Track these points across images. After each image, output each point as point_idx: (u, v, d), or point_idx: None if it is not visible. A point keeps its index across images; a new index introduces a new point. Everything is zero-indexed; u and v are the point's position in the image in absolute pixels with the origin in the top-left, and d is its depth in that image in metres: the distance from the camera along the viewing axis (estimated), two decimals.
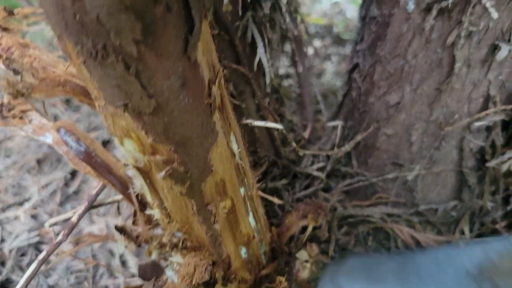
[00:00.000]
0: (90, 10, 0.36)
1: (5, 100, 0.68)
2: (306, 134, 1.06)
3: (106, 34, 0.38)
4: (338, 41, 2.17)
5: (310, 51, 2.07)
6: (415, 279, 0.79)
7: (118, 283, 1.25)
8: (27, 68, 0.50)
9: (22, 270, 1.32)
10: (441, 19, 0.73)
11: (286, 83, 1.52)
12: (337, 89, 1.80)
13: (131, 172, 0.59)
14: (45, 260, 0.68)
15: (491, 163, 0.90)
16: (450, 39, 0.74)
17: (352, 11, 2.32)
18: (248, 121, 0.70)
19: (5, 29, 0.57)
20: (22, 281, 0.66)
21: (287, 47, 0.95)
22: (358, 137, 0.94)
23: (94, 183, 1.59)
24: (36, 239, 1.41)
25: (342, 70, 1.95)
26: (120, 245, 0.75)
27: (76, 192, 1.57)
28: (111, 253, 1.33)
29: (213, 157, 0.56)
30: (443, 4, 0.70)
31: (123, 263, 1.30)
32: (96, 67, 0.42)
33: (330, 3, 2.34)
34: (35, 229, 1.44)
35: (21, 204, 1.54)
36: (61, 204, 1.53)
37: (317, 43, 2.16)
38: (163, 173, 0.52)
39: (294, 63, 0.98)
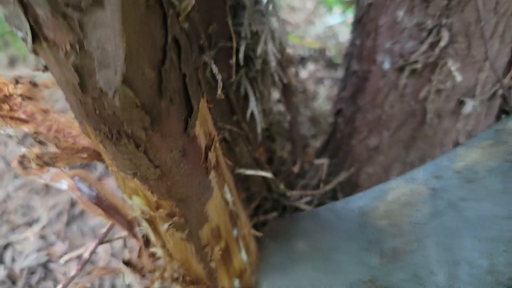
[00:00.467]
0: (107, 107, 0.45)
1: (26, 152, 0.76)
2: (295, 169, 1.15)
3: (120, 123, 0.47)
4: (331, 65, 2.25)
5: (304, 74, 2.16)
6: (318, 235, 0.79)
7: None
8: (51, 139, 0.58)
9: (33, 287, 1.41)
10: (413, 77, 0.82)
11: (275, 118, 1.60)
12: (328, 114, 1.88)
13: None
14: None
15: None
16: (422, 94, 0.83)
17: (345, 35, 2.40)
18: (241, 170, 0.78)
19: (29, 98, 0.65)
20: None
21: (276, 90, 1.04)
22: (341, 177, 1.03)
23: None
24: (45, 258, 1.49)
25: (334, 95, 2.03)
26: (127, 277, 0.83)
27: (81, 213, 1.65)
28: (116, 274, 1.41)
29: (209, 208, 0.65)
30: (414, 66, 0.79)
31: (128, 286, 1.38)
32: (111, 146, 0.51)
33: (324, 26, 2.43)
34: (44, 249, 1.52)
35: (30, 224, 1.62)
36: (68, 224, 1.61)
37: (310, 66, 2.24)
38: (166, 226, 0.60)
39: (286, 108, 1.06)
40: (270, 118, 1.03)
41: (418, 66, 0.78)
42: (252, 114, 0.86)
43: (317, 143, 1.56)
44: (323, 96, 2.04)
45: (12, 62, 2.49)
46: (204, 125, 0.58)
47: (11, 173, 1.79)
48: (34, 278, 1.44)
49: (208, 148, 0.59)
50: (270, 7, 0.78)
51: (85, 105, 0.46)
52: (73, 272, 0.77)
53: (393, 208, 0.64)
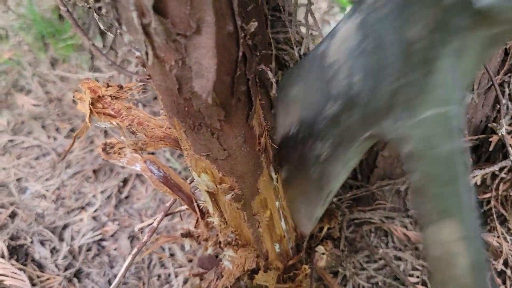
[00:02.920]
0: (195, 106, 0.59)
1: (108, 141, 0.91)
2: None
3: (202, 117, 0.61)
4: None
5: None
6: (302, 83, 0.83)
7: (169, 272, 1.48)
8: (141, 129, 0.73)
9: (90, 262, 1.56)
10: None
11: None
12: None
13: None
14: (136, 254, 0.91)
15: None
16: None
17: None
18: None
19: (116, 98, 0.80)
20: (122, 270, 0.89)
21: None
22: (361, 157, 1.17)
23: (141, 190, 1.83)
24: (99, 237, 1.65)
25: None
26: (187, 244, 0.98)
27: (127, 197, 1.81)
28: (162, 247, 1.57)
29: (260, 183, 0.79)
30: None
31: (172, 255, 1.54)
32: (192, 134, 0.65)
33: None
34: (97, 229, 1.68)
35: (83, 208, 1.78)
36: (116, 207, 1.77)
37: None
38: (229, 196, 0.74)
39: None
40: None
41: None
42: None
43: None
44: None
45: (53, 64, 2.64)
46: (257, 118, 0.72)
47: (63, 163, 1.95)
48: (91, 254, 1.60)
49: (260, 135, 0.73)
50: (307, 18, 0.92)
51: (178, 104, 0.60)
52: (145, 238, 0.92)
53: (337, 45, 0.70)
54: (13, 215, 1.74)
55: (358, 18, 0.66)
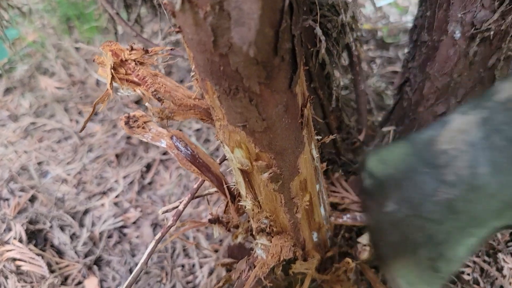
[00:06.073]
0: (232, 64, 0.51)
1: (131, 114, 0.84)
2: (361, 137, 1.19)
3: (240, 79, 0.53)
4: (382, 45, 2.27)
5: None
6: (400, 162, 0.84)
7: (193, 262, 1.42)
8: (168, 97, 0.66)
9: (111, 249, 1.52)
10: (483, 45, 0.85)
11: (343, 92, 1.65)
12: (382, 91, 1.91)
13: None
14: (160, 240, 0.84)
15: None
16: (491, 62, 0.86)
17: (396, 16, 2.40)
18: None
19: (141, 63, 0.73)
20: (144, 256, 0.83)
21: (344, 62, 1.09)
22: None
23: (165, 176, 1.77)
24: (121, 223, 1.60)
25: (386, 73, 2.05)
26: (215, 231, 0.91)
27: (150, 183, 1.76)
28: (186, 236, 1.51)
29: (300, 162, 0.71)
30: (486, 34, 0.82)
31: (196, 245, 1.47)
32: (227, 100, 0.57)
33: (374, 8, 2.42)
34: (119, 215, 1.63)
35: (104, 193, 1.73)
36: (139, 193, 1.72)
37: (363, 47, 2.26)
38: (266, 174, 0.67)
39: (355, 80, 1.11)
40: (339, 91, 1.08)
41: (490, 33, 0.82)
42: (326, 84, 0.92)
43: (373, 118, 1.60)
44: (376, 74, 2.06)
45: (77, 47, 2.61)
46: (301, 86, 0.64)
47: (85, 147, 1.91)
48: (112, 241, 1.56)
49: (303, 105, 0.65)
50: None
51: (212, 63, 0.52)
52: (170, 222, 0.86)
53: (453, 134, 0.74)
54: (33, 199, 1.71)
55: (481, 114, 0.72)
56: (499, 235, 1.12)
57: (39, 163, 1.90)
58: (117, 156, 1.86)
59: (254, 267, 0.81)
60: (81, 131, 0.72)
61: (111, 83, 0.69)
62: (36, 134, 2.05)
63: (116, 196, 1.71)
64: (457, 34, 0.87)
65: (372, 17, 2.49)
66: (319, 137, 0.80)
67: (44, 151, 1.95)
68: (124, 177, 1.78)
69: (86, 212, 1.66)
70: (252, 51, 0.47)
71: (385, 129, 1.18)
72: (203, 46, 0.51)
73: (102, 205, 1.68)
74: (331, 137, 0.77)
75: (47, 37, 2.64)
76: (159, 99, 0.66)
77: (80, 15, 2.69)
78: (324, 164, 0.86)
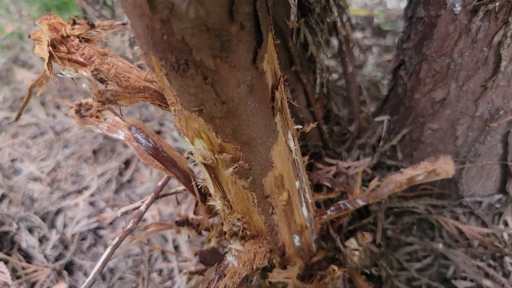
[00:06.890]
0: (177, 32, 0.41)
1: (84, 101, 0.74)
2: (352, 129, 1.10)
3: (188, 51, 0.43)
4: (379, 32, 2.17)
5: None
6: None
7: (172, 267, 1.32)
8: (112, 77, 0.56)
9: (84, 253, 1.42)
10: (487, 20, 0.75)
11: (331, 77, 1.55)
12: (378, 80, 1.82)
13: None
14: (118, 245, 0.75)
15: None
16: (496, 39, 0.76)
17: (393, 2, 2.31)
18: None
19: (87, 40, 0.63)
20: (98, 264, 0.73)
21: (332, 44, 0.98)
22: (404, 131, 0.97)
23: (145, 173, 1.67)
24: (95, 224, 1.50)
25: (383, 62, 1.95)
26: (184, 235, 0.81)
27: (129, 181, 1.66)
28: (165, 238, 1.41)
29: (274, 154, 0.61)
30: (490, 6, 0.72)
31: (176, 248, 1.38)
32: (177, 78, 0.47)
33: None
34: (94, 215, 1.53)
35: (79, 192, 1.63)
36: (116, 192, 1.62)
37: (357, 34, 2.16)
38: (231, 169, 0.57)
39: (343, 63, 1.01)
40: (326, 75, 0.98)
41: (495, 5, 0.72)
42: (311, 69, 0.82)
43: (368, 110, 1.50)
44: (372, 63, 1.96)
45: None
46: (271, 63, 0.54)
47: (61, 143, 1.81)
48: (85, 244, 1.46)
49: (274, 87, 0.55)
50: None
51: (153, 31, 0.43)
52: (130, 225, 0.76)
53: None
54: (2, 198, 1.60)
55: None
56: (506, 237, 1.02)
57: (12, 160, 1.80)
58: (94, 152, 1.76)
59: (225, 276, 0.71)
60: (16, 119, 0.62)
61: (49, 63, 0.59)
62: (11, 129, 1.94)
63: (92, 195, 1.61)
64: (457, 8, 0.77)
65: (368, 3, 2.39)
66: (299, 127, 0.70)
67: (18, 147, 1.85)
68: (101, 175, 1.68)
69: (58, 212, 1.56)
70: (192, 10, 0.37)
71: (378, 119, 1.08)
72: (140, 9, 0.41)
73: (76, 204, 1.58)
74: (312, 125, 0.66)
75: (26, 28, 2.54)
76: (101, 80, 0.56)
77: (60, 5, 2.59)
78: (306, 158, 0.76)
